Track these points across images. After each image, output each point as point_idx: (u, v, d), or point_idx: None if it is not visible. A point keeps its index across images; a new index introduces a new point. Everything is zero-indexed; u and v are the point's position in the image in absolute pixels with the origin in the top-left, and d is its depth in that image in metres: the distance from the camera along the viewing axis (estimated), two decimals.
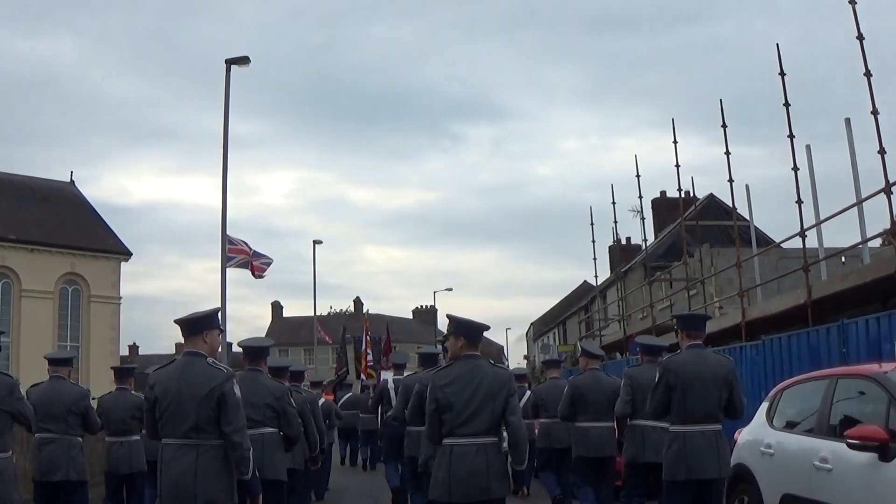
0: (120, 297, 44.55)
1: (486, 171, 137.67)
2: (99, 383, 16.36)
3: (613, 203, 30.18)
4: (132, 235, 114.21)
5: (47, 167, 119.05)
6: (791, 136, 16.82)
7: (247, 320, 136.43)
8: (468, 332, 6.42)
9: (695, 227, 36.95)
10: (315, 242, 45.40)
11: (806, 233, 17.05)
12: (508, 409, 6.17)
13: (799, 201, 16.98)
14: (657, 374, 7.50)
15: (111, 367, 10.74)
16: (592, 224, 32.45)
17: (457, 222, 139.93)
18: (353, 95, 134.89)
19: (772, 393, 9.10)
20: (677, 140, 23.94)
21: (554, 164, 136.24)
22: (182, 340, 6.38)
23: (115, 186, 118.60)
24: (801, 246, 17.30)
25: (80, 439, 8.62)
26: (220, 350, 6.75)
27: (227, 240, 21.45)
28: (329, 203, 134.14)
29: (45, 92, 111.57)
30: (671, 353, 7.84)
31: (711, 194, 38.71)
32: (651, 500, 8.90)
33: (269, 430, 7.94)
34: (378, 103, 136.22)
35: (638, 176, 27.26)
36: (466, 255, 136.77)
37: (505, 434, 6.22)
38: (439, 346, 10.06)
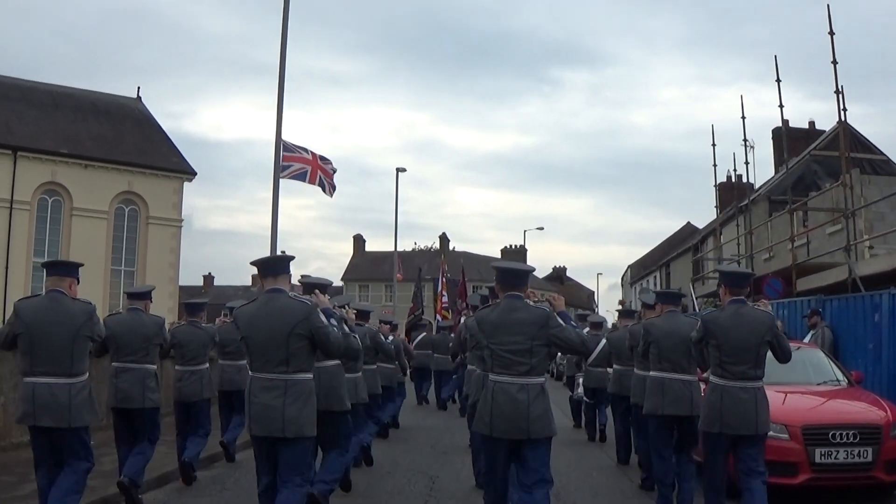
0: (181, 220, 41.24)
1: (583, 118, 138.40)
2: (156, 311, 13.21)
3: (744, 116, 25.11)
4: (226, 170, 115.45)
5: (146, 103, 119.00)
6: None
7: (335, 257, 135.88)
8: (504, 276, 6.58)
9: (825, 158, 32.53)
10: (398, 170, 43.93)
11: None
12: (553, 335, 6.27)
13: None
14: (697, 328, 7.60)
15: (183, 303, 11.23)
16: (714, 144, 27.73)
17: (551, 167, 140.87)
18: (453, 37, 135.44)
19: None
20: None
21: (651, 113, 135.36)
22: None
23: (211, 121, 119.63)
24: None
25: (155, 367, 8.86)
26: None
27: (281, 146, 18.41)
28: (424, 144, 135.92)
29: (144, 28, 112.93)
30: (713, 309, 8.17)
31: (843, 121, 33.51)
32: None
33: (329, 363, 7.82)
34: (478, 46, 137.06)
35: (778, 79, 21.89)
36: (559, 201, 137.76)
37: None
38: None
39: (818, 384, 10.72)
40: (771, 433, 8.70)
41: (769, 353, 7.50)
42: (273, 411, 6.16)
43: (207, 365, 10.31)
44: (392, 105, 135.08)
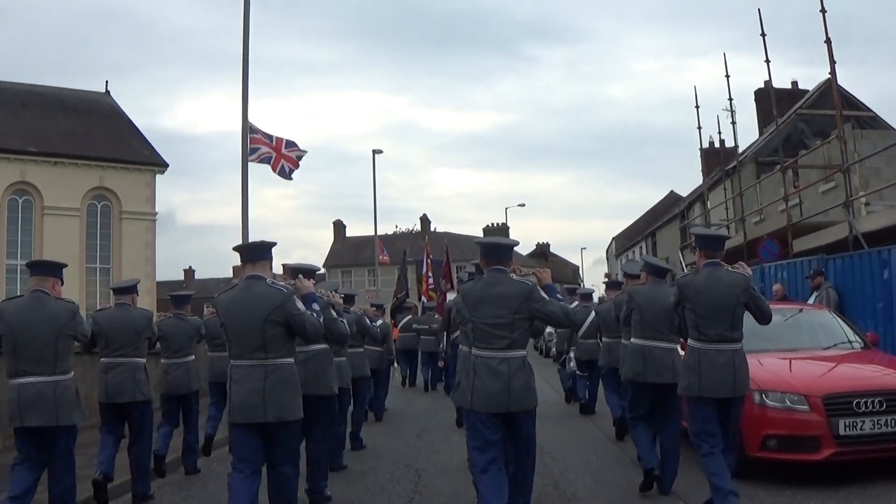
0: (155, 213, 40.21)
1: (560, 93, 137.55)
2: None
3: (728, 75, 24.18)
4: (205, 164, 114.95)
5: (121, 101, 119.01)
6: None
7: (317, 245, 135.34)
8: (488, 251, 6.54)
9: (812, 117, 31.76)
10: (374, 152, 42.90)
11: None
12: (536, 309, 6.25)
13: None
14: (674, 292, 7.51)
15: (169, 295, 10.98)
16: (698, 106, 26.79)
17: (530, 145, 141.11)
18: (427, 19, 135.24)
19: None
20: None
21: (628, 86, 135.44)
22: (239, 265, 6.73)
23: (188, 116, 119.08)
24: None
25: (144, 360, 8.78)
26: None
27: (248, 128, 17.92)
28: (402, 127, 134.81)
29: (116, 26, 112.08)
30: (687, 273, 8.18)
31: (830, 79, 32.70)
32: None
33: (317, 347, 7.87)
34: (451, 26, 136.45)
35: (763, 33, 21.03)
36: (540, 178, 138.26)
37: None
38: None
39: (828, 348, 9.93)
40: (788, 404, 8.06)
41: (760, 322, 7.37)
42: (254, 397, 6.15)
43: (193, 357, 10.18)
44: (368, 90, 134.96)
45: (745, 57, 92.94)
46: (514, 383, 6.13)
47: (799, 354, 9.44)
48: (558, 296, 6.48)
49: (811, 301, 13.82)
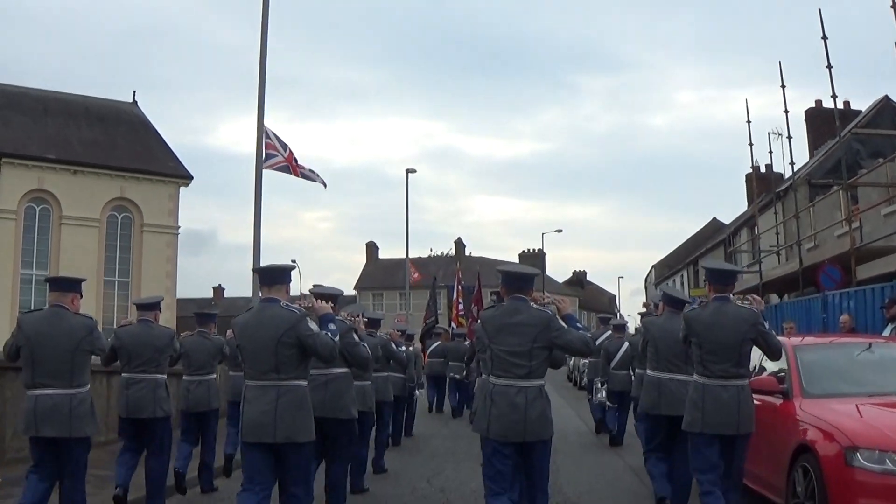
0: (178, 227, 39.27)
1: (601, 122, 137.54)
2: None
3: (783, 85, 22.50)
4: (245, 184, 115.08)
5: (161, 117, 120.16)
6: None
7: (355, 268, 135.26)
8: (509, 280, 6.61)
9: (868, 137, 30.06)
10: (408, 171, 42.25)
11: None
12: (554, 339, 6.29)
13: None
14: (682, 326, 7.49)
15: (194, 313, 11.12)
16: (749, 121, 25.13)
17: (570, 173, 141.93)
18: (469, 45, 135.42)
19: None
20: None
21: (669, 116, 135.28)
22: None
23: (229, 136, 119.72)
24: None
25: (165, 377, 8.89)
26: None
27: (263, 133, 17.77)
28: (442, 153, 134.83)
29: (160, 42, 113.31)
30: (695, 307, 7.78)
31: (886, 96, 31.16)
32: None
33: (338, 370, 7.88)
34: (494, 53, 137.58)
35: (825, 36, 19.26)
36: (579, 206, 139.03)
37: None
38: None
39: None
40: (890, 467, 6.31)
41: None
42: (265, 416, 6.18)
43: (215, 376, 10.34)
44: (408, 115, 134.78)
45: (793, 86, 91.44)
46: (530, 413, 6.19)
47: (891, 399, 7.67)
48: (578, 325, 6.50)
49: (886, 333, 12.16)
